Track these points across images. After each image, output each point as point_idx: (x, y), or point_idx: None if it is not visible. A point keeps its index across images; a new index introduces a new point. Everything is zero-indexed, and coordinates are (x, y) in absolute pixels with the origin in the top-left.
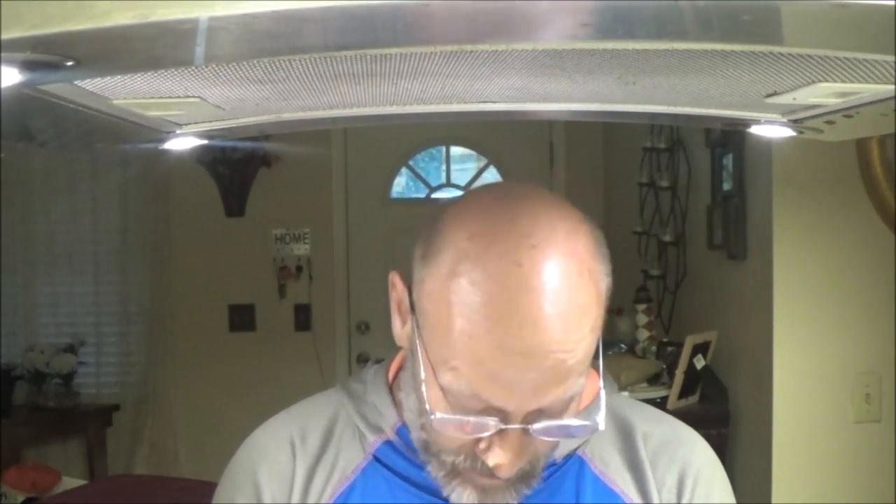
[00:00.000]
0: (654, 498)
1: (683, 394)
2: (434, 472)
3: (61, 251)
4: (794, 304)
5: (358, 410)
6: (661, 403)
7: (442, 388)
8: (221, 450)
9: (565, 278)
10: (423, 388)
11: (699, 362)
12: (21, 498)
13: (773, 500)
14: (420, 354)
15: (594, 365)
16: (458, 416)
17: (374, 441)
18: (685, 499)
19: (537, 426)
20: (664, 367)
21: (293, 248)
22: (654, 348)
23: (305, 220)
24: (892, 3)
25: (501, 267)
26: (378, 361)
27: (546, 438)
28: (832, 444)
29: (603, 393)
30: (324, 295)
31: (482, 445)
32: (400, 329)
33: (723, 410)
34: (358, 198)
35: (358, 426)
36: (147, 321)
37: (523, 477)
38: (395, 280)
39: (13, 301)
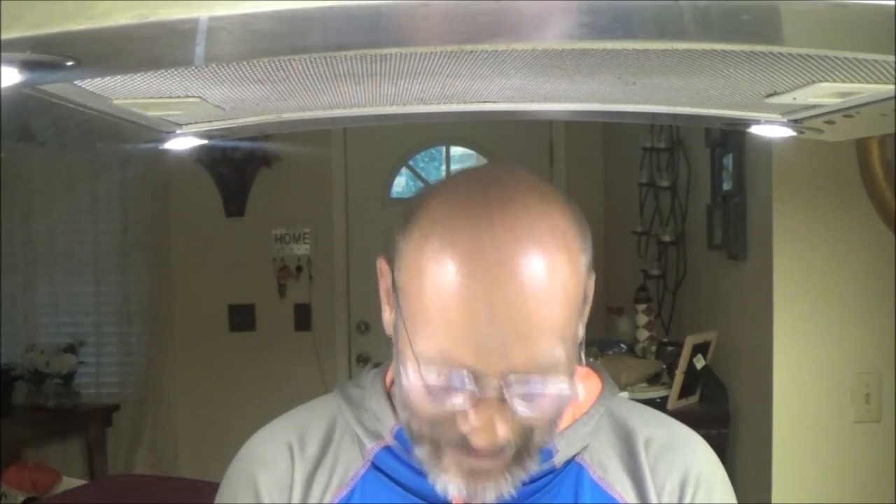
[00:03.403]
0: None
1: (683, 394)
2: (423, 459)
3: (61, 251)
4: (794, 304)
5: (356, 417)
6: (661, 403)
7: (418, 358)
8: (221, 450)
9: (538, 239)
10: (405, 364)
11: (699, 362)
12: (21, 498)
13: (773, 500)
14: (400, 330)
15: (595, 366)
16: (430, 377)
17: (372, 448)
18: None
19: (511, 391)
20: (664, 367)
21: (293, 248)
22: (654, 348)
23: (305, 220)
24: (892, 3)
25: (472, 224)
26: (377, 365)
27: (521, 409)
28: (832, 444)
29: (583, 360)
30: (324, 295)
31: (461, 420)
32: (388, 316)
33: (723, 410)
34: (358, 198)
35: (356, 433)
36: (147, 321)
37: (516, 458)
38: (383, 266)
39: (13, 301)
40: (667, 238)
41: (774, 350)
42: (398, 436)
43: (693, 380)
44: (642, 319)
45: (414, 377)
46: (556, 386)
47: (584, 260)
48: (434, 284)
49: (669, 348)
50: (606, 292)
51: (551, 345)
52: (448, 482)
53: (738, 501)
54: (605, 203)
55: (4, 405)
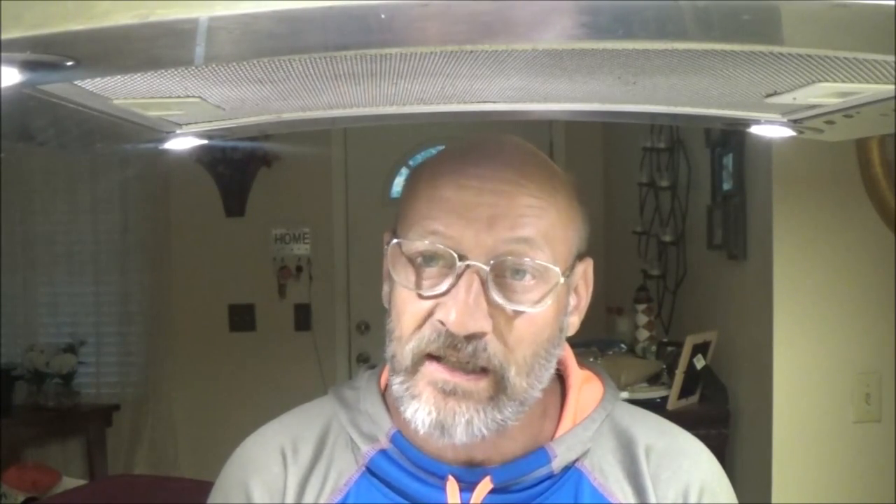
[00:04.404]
0: None
1: (683, 394)
2: (399, 393)
3: (61, 251)
4: (794, 304)
5: (351, 419)
6: (660, 403)
7: (409, 260)
8: (221, 450)
9: (528, 150)
10: (392, 287)
11: (699, 362)
12: (21, 498)
13: (773, 500)
14: (393, 248)
15: (597, 370)
16: (418, 249)
17: (367, 451)
18: None
19: (490, 271)
20: (664, 367)
21: (293, 248)
22: (654, 348)
23: (305, 220)
24: (892, 3)
25: (461, 149)
26: (372, 367)
27: (497, 297)
28: (832, 444)
29: (609, 394)
30: (324, 295)
31: (440, 309)
32: (387, 290)
33: (723, 410)
34: (358, 198)
35: (351, 436)
36: (147, 321)
37: (491, 396)
38: (386, 236)
39: (13, 301)
40: (667, 238)
41: (774, 350)
42: (394, 438)
43: (693, 380)
44: (642, 319)
45: (403, 283)
46: (533, 265)
47: (575, 194)
48: (426, 177)
49: (669, 348)
50: (606, 292)
51: (534, 227)
52: (419, 408)
53: (738, 501)
54: (605, 203)
55: (4, 405)
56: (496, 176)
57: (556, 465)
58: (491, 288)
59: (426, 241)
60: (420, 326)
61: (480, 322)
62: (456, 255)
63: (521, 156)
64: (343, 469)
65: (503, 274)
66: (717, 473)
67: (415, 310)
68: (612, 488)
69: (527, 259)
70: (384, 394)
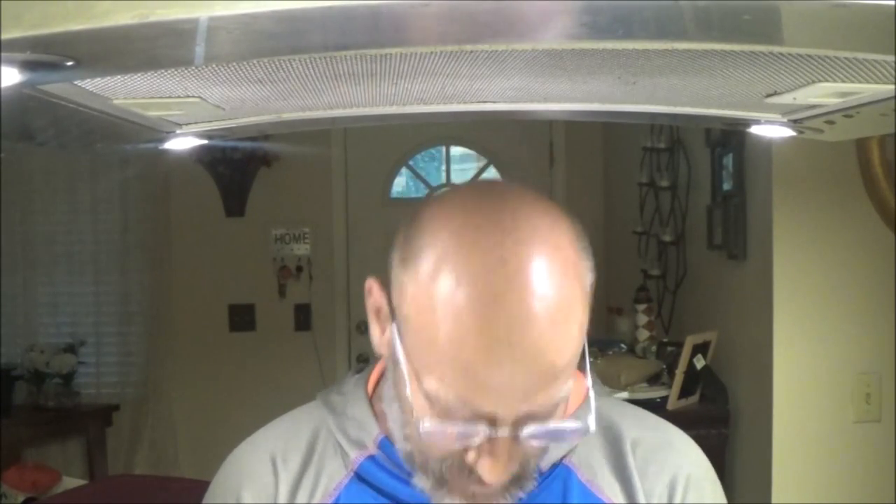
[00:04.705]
0: None
1: (683, 394)
2: (421, 483)
3: (61, 251)
4: (794, 304)
5: (339, 426)
6: (661, 403)
7: (427, 397)
8: (221, 450)
9: (551, 275)
10: (409, 397)
11: (699, 362)
12: (21, 498)
13: (773, 500)
14: (403, 362)
15: (580, 366)
16: (445, 425)
17: (356, 458)
18: None
19: (527, 431)
20: (664, 367)
21: (293, 248)
22: (654, 348)
23: (305, 220)
24: (892, 3)
25: (486, 265)
26: (359, 371)
27: (534, 444)
28: (832, 444)
29: (592, 393)
30: (324, 295)
31: (471, 455)
32: (379, 337)
33: (723, 410)
34: (358, 198)
35: (339, 442)
36: (147, 321)
37: (515, 480)
38: (373, 286)
39: (13, 301)
40: (667, 238)
41: (774, 350)
42: (382, 445)
43: (693, 380)
44: (642, 319)
45: (423, 414)
46: (568, 423)
47: (589, 281)
48: (450, 330)
49: (669, 348)
50: (606, 292)
51: (567, 382)
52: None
53: (738, 501)
54: (605, 203)
55: (4, 405)
56: (530, 342)
57: (544, 463)
58: (528, 440)
59: (454, 405)
60: (446, 450)
61: (514, 467)
62: (488, 426)
63: (551, 291)
64: (332, 475)
65: (542, 422)
66: (704, 467)
67: (441, 440)
68: (600, 484)
69: (559, 416)
70: (371, 398)
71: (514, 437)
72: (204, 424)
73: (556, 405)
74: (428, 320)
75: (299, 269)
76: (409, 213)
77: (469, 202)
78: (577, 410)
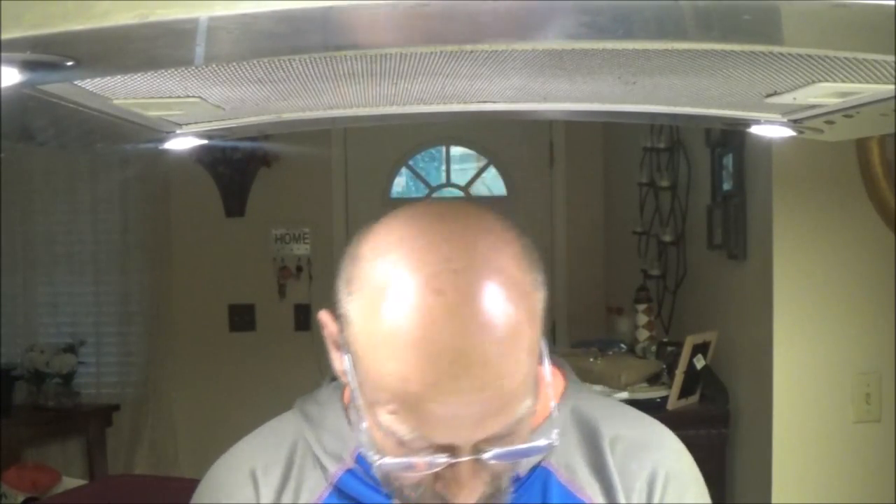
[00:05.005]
0: None
1: (683, 394)
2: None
3: (61, 251)
4: (794, 304)
5: (317, 438)
6: (661, 403)
7: (384, 430)
8: (221, 450)
9: (493, 301)
10: (366, 430)
11: (699, 362)
12: (21, 498)
13: (773, 500)
14: (358, 396)
15: (559, 363)
16: (404, 460)
17: (335, 471)
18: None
19: (488, 454)
20: (664, 367)
21: (293, 248)
22: (654, 348)
23: (305, 220)
24: (892, 3)
25: (424, 299)
26: (335, 377)
27: (497, 465)
28: (832, 444)
29: (554, 406)
30: (324, 295)
31: (438, 483)
32: (339, 365)
33: (723, 410)
34: (358, 198)
35: (317, 456)
36: (147, 321)
37: (490, 497)
38: (325, 319)
39: (13, 301)
40: (667, 238)
41: (774, 350)
42: (359, 459)
43: (693, 380)
44: (642, 319)
45: (382, 446)
46: (530, 442)
47: (539, 298)
48: (395, 368)
49: (669, 348)
50: (606, 292)
51: (524, 403)
52: None
53: (738, 501)
54: (605, 203)
55: (4, 405)
56: (475, 372)
57: (522, 467)
58: (486, 458)
59: (409, 439)
60: (410, 479)
61: (484, 488)
62: (448, 456)
63: (497, 324)
64: (313, 488)
65: (500, 446)
66: (684, 462)
67: (402, 471)
68: (581, 484)
69: (524, 432)
70: (347, 407)
71: (477, 461)
72: (204, 424)
73: (516, 424)
74: (373, 357)
75: (299, 269)
76: (354, 239)
77: (406, 231)
78: (540, 425)
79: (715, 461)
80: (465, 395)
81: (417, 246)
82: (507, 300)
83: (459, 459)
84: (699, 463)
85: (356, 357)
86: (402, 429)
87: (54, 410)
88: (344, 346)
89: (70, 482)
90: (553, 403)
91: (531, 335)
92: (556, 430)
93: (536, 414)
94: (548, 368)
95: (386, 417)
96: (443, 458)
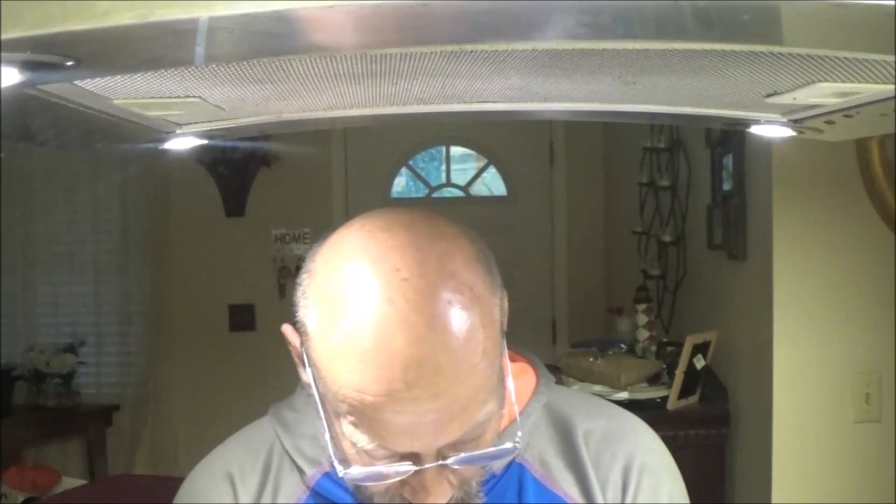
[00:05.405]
0: (598, 498)
1: (683, 394)
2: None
3: (61, 251)
4: (794, 304)
5: (293, 444)
6: (661, 403)
7: (347, 440)
8: None
9: (444, 307)
10: (329, 441)
11: (699, 362)
12: (21, 498)
13: (773, 500)
14: (321, 409)
15: (531, 360)
16: (369, 469)
17: (312, 476)
18: (630, 494)
19: (452, 460)
20: (664, 367)
21: (293, 248)
22: (654, 348)
23: (305, 220)
24: (892, 3)
25: (375, 309)
26: None
27: (461, 469)
28: (832, 444)
29: (517, 411)
30: None
31: (406, 489)
32: (305, 377)
33: (723, 410)
34: (358, 198)
35: (294, 461)
36: (147, 321)
37: (461, 500)
38: (288, 333)
39: (13, 301)
40: (667, 238)
41: (774, 350)
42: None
43: (693, 380)
44: (642, 319)
45: (347, 455)
46: (496, 449)
47: (495, 300)
48: (350, 380)
49: (669, 348)
50: (606, 292)
51: (484, 406)
52: None
53: (737, 501)
54: (605, 203)
55: (4, 405)
56: (428, 381)
57: (496, 466)
58: (450, 464)
59: (370, 448)
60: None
61: (453, 491)
62: (412, 463)
63: (449, 332)
64: (290, 493)
65: (461, 451)
66: (658, 452)
67: (367, 480)
68: (556, 479)
69: (490, 434)
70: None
71: (443, 467)
72: (204, 424)
73: (478, 429)
74: (329, 369)
75: (299, 269)
76: (309, 252)
77: (357, 242)
78: (507, 427)
79: (715, 461)
80: (421, 404)
81: (368, 257)
82: (460, 306)
83: (423, 467)
84: (699, 463)
85: (315, 369)
86: (363, 438)
87: (54, 410)
88: (305, 359)
89: (70, 482)
90: (516, 408)
91: (488, 339)
92: (519, 433)
93: (503, 416)
94: (510, 368)
95: (347, 428)
96: (407, 466)
